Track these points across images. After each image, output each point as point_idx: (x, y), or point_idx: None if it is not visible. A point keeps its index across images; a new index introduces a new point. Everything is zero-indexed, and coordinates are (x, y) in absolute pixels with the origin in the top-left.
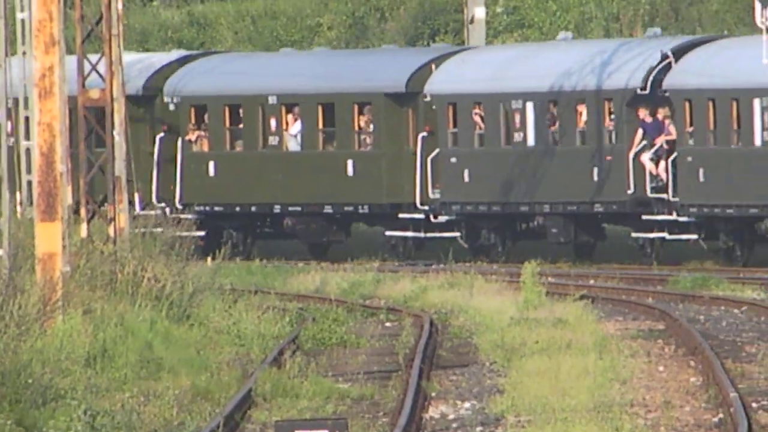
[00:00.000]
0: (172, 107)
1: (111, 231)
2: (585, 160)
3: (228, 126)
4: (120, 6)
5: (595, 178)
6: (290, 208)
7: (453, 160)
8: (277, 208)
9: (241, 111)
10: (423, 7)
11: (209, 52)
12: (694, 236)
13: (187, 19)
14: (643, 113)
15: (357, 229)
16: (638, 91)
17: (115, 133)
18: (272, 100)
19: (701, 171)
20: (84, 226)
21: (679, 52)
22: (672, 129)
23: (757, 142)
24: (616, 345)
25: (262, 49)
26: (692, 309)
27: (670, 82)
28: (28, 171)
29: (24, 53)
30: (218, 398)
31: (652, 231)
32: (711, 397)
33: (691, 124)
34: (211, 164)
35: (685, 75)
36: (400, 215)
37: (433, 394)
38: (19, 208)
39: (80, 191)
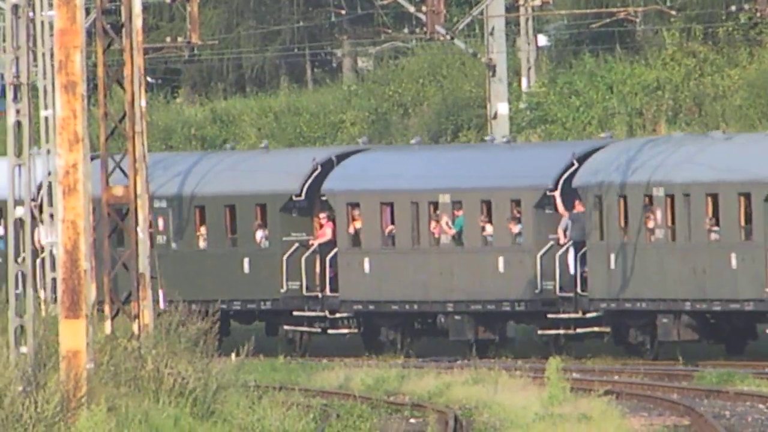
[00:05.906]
0: None
1: (135, 328)
2: None
3: None
4: (143, 103)
5: None
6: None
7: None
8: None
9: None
10: (446, 103)
11: None
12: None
13: (210, 116)
14: None
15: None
16: None
17: (139, 230)
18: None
19: None
20: (108, 323)
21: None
22: None
23: None
24: None
25: (285, 146)
26: (717, 404)
27: None
28: (53, 268)
29: (48, 151)
30: None
31: None
32: None
33: None
34: None
35: None
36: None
37: None
38: (43, 306)
39: (104, 288)
